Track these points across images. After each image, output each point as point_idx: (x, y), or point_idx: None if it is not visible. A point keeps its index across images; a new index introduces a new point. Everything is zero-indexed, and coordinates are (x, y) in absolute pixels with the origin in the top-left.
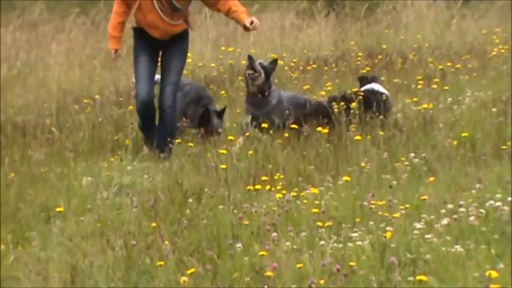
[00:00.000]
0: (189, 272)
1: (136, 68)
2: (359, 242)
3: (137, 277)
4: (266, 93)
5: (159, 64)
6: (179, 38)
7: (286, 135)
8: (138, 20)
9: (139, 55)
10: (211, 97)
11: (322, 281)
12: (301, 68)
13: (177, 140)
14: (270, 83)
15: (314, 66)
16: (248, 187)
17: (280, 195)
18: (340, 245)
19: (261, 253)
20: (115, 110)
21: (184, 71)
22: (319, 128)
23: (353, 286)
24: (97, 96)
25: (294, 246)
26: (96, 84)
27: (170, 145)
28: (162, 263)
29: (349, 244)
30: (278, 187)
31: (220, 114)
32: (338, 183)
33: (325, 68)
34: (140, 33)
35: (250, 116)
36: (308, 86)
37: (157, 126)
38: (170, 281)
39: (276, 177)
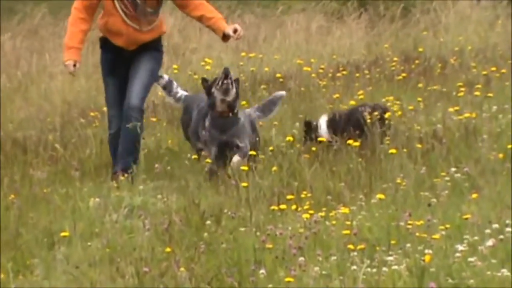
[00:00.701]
0: None
1: (106, 91)
2: (395, 267)
3: None
4: (236, 111)
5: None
6: (150, 48)
7: (314, 149)
8: (99, 26)
9: (106, 76)
10: None
11: None
12: (330, 75)
13: (194, 156)
14: (238, 101)
15: (344, 72)
16: (272, 207)
17: (307, 216)
18: (374, 270)
19: (286, 279)
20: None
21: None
22: (350, 141)
23: None
24: (105, 109)
25: (323, 272)
26: (102, 94)
27: (133, 161)
28: None
29: (384, 268)
30: (305, 207)
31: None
32: (371, 202)
33: (357, 74)
34: (105, 43)
35: (214, 148)
36: (337, 95)
37: (120, 137)
38: None
39: (302, 196)
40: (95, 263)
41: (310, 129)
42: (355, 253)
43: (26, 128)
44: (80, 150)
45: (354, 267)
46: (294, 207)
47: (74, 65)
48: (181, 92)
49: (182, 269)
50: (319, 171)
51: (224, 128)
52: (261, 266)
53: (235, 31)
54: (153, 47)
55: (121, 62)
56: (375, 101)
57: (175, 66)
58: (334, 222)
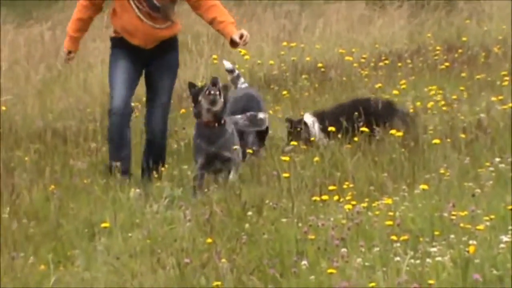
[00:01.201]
0: None
1: (111, 74)
2: (439, 258)
3: None
4: (223, 121)
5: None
6: (167, 48)
7: (356, 139)
8: (114, 25)
9: (115, 60)
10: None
11: None
12: (372, 64)
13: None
14: (226, 109)
15: (386, 62)
16: (314, 198)
17: (350, 206)
18: (418, 261)
19: (329, 270)
20: None
21: (242, 70)
22: (393, 131)
23: None
24: (144, 99)
25: (366, 263)
26: (143, 85)
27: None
28: (219, 283)
29: (428, 260)
30: (347, 198)
31: (260, 133)
32: (414, 192)
33: (399, 64)
34: (119, 44)
35: (201, 161)
36: (380, 85)
37: (145, 155)
38: None
39: (345, 186)
40: (135, 254)
41: (293, 127)
42: (398, 244)
43: (66, 118)
44: None
45: (397, 258)
46: (336, 197)
47: (70, 53)
48: (245, 86)
49: (223, 260)
50: (362, 161)
51: (211, 139)
52: (303, 257)
53: (241, 36)
54: (171, 47)
55: (136, 59)
56: (418, 90)
57: (214, 56)
58: (376, 213)
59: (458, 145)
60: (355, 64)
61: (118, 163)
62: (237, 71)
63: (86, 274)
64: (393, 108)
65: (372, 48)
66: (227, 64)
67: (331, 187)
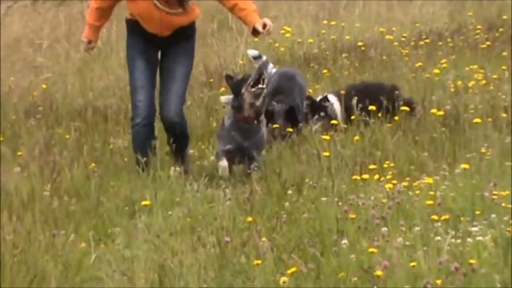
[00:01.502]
0: (289, 271)
1: (131, 74)
2: (480, 238)
3: (231, 277)
4: (260, 118)
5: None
6: (183, 35)
7: (397, 118)
8: (131, 10)
9: (133, 59)
10: (293, 89)
11: (438, 281)
12: (412, 43)
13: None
14: (265, 106)
15: (427, 41)
16: (354, 177)
17: (390, 186)
18: (459, 241)
19: (369, 250)
20: (205, 92)
21: (282, 49)
22: (434, 110)
23: (474, 286)
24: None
25: (407, 242)
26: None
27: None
28: (259, 262)
29: (469, 239)
30: (388, 177)
31: (288, 113)
32: (455, 172)
33: (439, 43)
34: (134, 27)
35: (229, 146)
36: (420, 63)
37: (171, 146)
38: (268, 282)
39: (385, 166)
40: (176, 232)
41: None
42: (439, 224)
43: (106, 96)
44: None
45: (438, 237)
46: (376, 177)
47: (90, 42)
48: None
49: (263, 239)
50: (402, 140)
51: (246, 134)
52: (343, 236)
53: (264, 26)
54: (188, 35)
55: (151, 47)
56: (459, 69)
57: None
58: (417, 192)
59: (499, 124)
60: (395, 43)
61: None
62: (264, 57)
63: (127, 252)
64: (399, 94)
65: (412, 27)
66: (252, 52)
67: (371, 166)
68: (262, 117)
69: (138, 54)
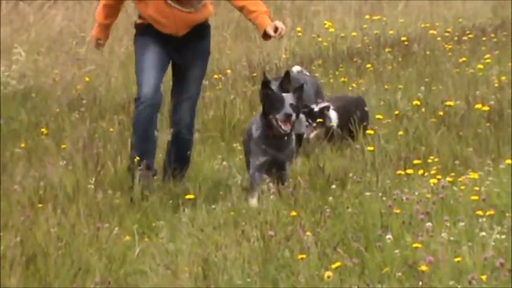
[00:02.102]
0: (334, 266)
1: (139, 60)
2: None
3: (276, 271)
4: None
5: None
6: (197, 35)
7: (441, 113)
8: (141, 12)
9: (143, 46)
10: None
11: (483, 277)
12: (455, 38)
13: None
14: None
15: (470, 36)
16: (398, 172)
17: (435, 181)
18: (503, 237)
19: (414, 245)
20: (248, 87)
21: (325, 43)
22: (478, 105)
23: None
24: (228, 71)
25: (451, 238)
26: (227, 58)
27: (183, 177)
28: (303, 256)
29: None
30: (432, 172)
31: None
32: (499, 167)
33: (483, 38)
34: (145, 31)
35: (262, 159)
36: (464, 59)
37: (168, 152)
38: (312, 276)
39: (429, 161)
40: (219, 226)
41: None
42: (484, 219)
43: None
44: (204, 112)
45: (483, 233)
46: (420, 172)
47: (100, 39)
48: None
49: (307, 233)
50: (446, 135)
51: (279, 147)
52: (387, 231)
53: (275, 29)
54: (202, 35)
55: (164, 48)
56: (502, 65)
57: (298, 29)
58: (462, 187)
59: None
60: (438, 38)
61: (139, 158)
62: (306, 72)
63: (170, 246)
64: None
65: (456, 22)
66: (296, 68)
67: (415, 161)
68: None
69: (149, 44)
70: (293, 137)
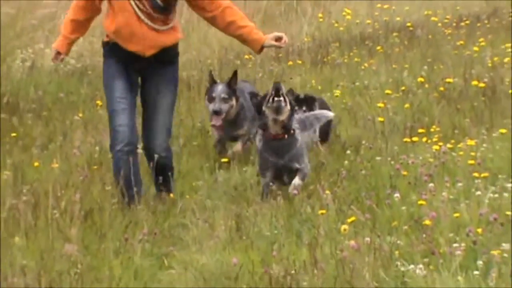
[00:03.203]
0: (349, 220)
1: (110, 96)
2: None
3: (299, 224)
4: (292, 131)
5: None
6: (166, 59)
7: (442, 89)
8: (106, 29)
9: (111, 79)
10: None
11: (479, 230)
12: (454, 24)
13: (336, 93)
14: (294, 118)
15: (467, 22)
16: (405, 139)
17: (437, 147)
18: (496, 195)
19: (419, 202)
20: (274, 65)
21: (341, 28)
22: (475, 82)
23: (510, 235)
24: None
25: (451, 196)
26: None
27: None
28: (323, 211)
29: (505, 194)
30: (434, 139)
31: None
32: (493, 135)
33: (478, 24)
34: (111, 51)
35: (269, 175)
36: (461, 42)
37: (155, 178)
38: (331, 229)
39: (432, 130)
40: (250, 185)
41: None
42: (479, 181)
43: (189, 68)
44: None
45: (479, 192)
46: (424, 139)
47: (59, 54)
48: None
49: (326, 192)
50: (446, 108)
51: (280, 152)
52: (395, 190)
53: (278, 39)
54: (171, 60)
55: (132, 71)
56: (495, 47)
57: (320, 15)
58: (460, 153)
59: None
60: (439, 24)
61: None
62: None
63: (208, 202)
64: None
65: (454, 10)
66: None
67: (419, 130)
68: (296, 130)
69: (117, 74)
70: (299, 140)
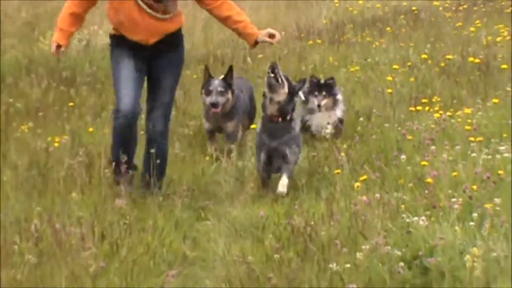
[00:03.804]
0: (361, 178)
1: (116, 74)
2: (506, 154)
3: (317, 182)
4: (289, 117)
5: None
6: (171, 44)
7: (442, 64)
8: (111, 20)
9: (118, 61)
10: None
11: (474, 187)
12: (453, 8)
13: (352, 68)
14: (294, 105)
15: (464, 6)
16: (410, 108)
17: (438, 115)
18: (489, 157)
19: (422, 163)
20: (297, 44)
21: (355, 12)
22: (471, 59)
23: (501, 191)
24: (282, 33)
25: (450, 158)
26: (281, 22)
27: (159, 184)
28: (339, 171)
29: (497, 156)
30: (436, 108)
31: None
32: (487, 105)
33: (474, 8)
34: (118, 42)
35: (262, 158)
36: (460, 23)
37: (144, 160)
38: (345, 186)
39: (433, 100)
40: None
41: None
42: (475, 144)
43: (222, 47)
44: (264, 63)
45: (474, 154)
46: (427, 108)
47: (60, 47)
48: None
49: (342, 154)
50: (446, 81)
51: (273, 134)
52: (402, 152)
53: (271, 36)
54: (175, 44)
55: (139, 58)
56: (489, 28)
57: (336, 1)
58: (458, 120)
59: None
60: (440, 8)
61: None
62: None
63: (239, 163)
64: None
65: None
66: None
67: (423, 100)
68: (295, 119)
69: (125, 58)
70: (296, 129)
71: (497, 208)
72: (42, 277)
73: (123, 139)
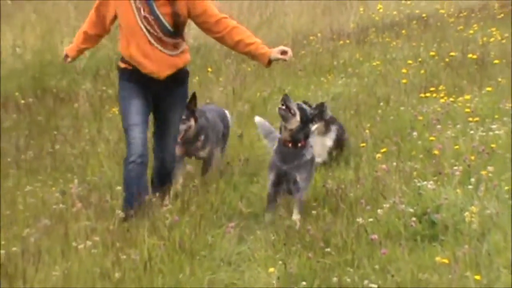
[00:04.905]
0: (382, 150)
1: (127, 113)
2: (497, 132)
3: (347, 152)
4: (300, 144)
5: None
6: (179, 81)
7: (447, 60)
8: (122, 52)
9: (127, 98)
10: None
11: (472, 157)
12: (456, 15)
13: (375, 63)
14: (307, 132)
15: (464, 13)
16: (421, 95)
17: (443, 100)
18: (484, 134)
19: (430, 138)
20: (330, 44)
21: (376, 18)
22: (470, 55)
23: (494, 161)
24: (318, 34)
25: (453, 134)
26: (317, 26)
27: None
28: (363, 144)
29: (490, 133)
30: (441, 95)
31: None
32: (482, 92)
33: (472, 14)
34: (128, 76)
35: (272, 177)
36: (461, 27)
37: (154, 181)
38: (369, 157)
39: (439, 88)
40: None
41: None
42: (472, 124)
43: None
44: (303, 59)
45: (472, 132)
46: (434, 95)
47: (68, 57)
48: None
49: (366, 131)
50: (450, 73)
51: (285, 158)
52: (414, 130)
53: (284, 52)
54: (182, 81)
55: (147, 92)
56: (484, 30)
57: (361, 9)
58: (459, 104)
59: (510, 64)
60: (445, 15)
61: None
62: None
63: None
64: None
65: (456, 4)
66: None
67: (431, 88)
68: (309, 146)
69: (133, 95)
70: (308, 156)
71: (490, 174)
72: (129, 228)
73: (135, 188)
